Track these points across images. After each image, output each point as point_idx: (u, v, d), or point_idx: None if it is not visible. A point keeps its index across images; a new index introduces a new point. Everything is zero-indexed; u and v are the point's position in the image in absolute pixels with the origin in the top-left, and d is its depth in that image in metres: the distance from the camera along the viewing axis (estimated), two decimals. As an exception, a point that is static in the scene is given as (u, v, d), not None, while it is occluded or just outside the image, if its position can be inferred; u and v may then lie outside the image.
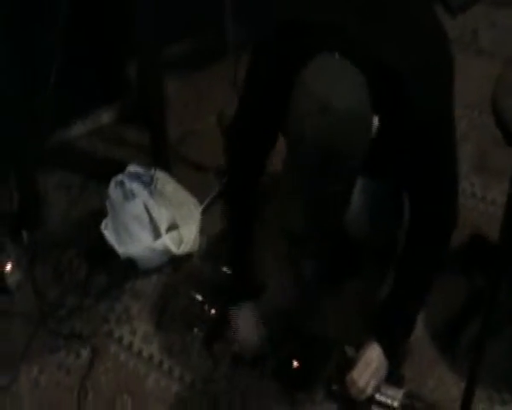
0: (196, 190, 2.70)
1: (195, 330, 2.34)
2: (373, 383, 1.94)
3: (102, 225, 2.58)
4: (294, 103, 1.57)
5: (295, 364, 2.09)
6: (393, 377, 2.00)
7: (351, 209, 1.75)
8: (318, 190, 1.57)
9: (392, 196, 2.00)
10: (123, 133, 3.00)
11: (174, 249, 2.52)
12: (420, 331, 2.21)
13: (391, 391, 1.97)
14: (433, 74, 1.68)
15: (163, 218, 2.52)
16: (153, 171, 2.63)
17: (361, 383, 1.93)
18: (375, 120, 1.60)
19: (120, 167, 2.67)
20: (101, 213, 2.62)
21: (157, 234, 2.52)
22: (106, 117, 3.04)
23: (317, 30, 1.65)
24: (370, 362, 1.94)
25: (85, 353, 2.40)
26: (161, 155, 2.80)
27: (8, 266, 2.64)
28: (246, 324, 2.12)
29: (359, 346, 1.99)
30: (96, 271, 2.61)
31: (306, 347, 2.12)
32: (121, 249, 2.54)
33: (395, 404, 1.95)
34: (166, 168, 2.74)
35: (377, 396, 1.96)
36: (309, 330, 2.17)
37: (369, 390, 1.94)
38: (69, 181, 2.90)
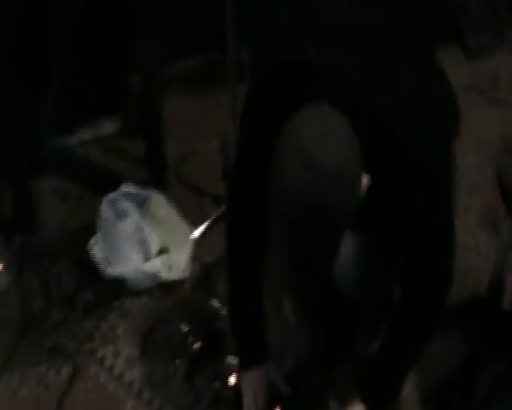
0: (192, 214, 2.61)
1: (178, 361, 2.26)
2: None
3: (91, 242, 2.50)
4: (279, 154, 1.46)
5: (277, 410, 2.00)
6: None
7: (340, 263, 1.66)
8: (301, 245, 1.48)
9: (385, 252, 1.90)
10: (124, 146, 2.92)
11: (163, 274, 2.45)
12: (410, 391, 2.11)
13: None
14: (434, 137, 1.59)
15: (154, 241, 2.45)
16: (147, 192, 2.54)
17: None
18: (365, 178, 1.50)
19: (118, 181, 2.61)
20: (95, 226, 2.55)
21: (147, 256, 2.44)
22: (108, 127, 2.96)
23: (315, 75, 1.55)
24: None
25: (66, 370, 2.34)
26: (158, 173, 2.72)
27: (-3, 271, 2.58)
28: (254, 391, 1.95)
29: (344, 400, 1.90)
30: (84, 285, 2.53)
31: (290, 395, 2.02)
32: (109, 269, 2.47)
33: None
34: (163, 187, 2.67)
35: None
36: (295, 379, 2.07)
37: None
38: (66, 189, 2.82)
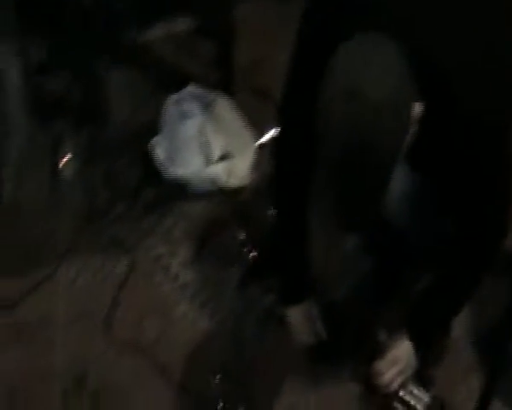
0: (257, 122, 2.44)
1: (233, 269, 2.13)
2: (398, 380, 1.71)
3: (153, 142, 2.36)
4: (324, 85, 1.29)
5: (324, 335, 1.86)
6: (423, 376, 1.75)
7: (390, 200, 1.46)
8: (346, 185, 1.31)
9: (438, 191, 1.66)
10: (196, 46, 2.73)
11: (224, 180, 2.30)
12: (460, 333, 1.93)
13: (417, 391, 1.72)
14: (497, 91, 1.38)
15: (216, 145, 2.30)
16: (213, 95, 2.38)
17: (385, 378, 1.71)
18: (418, 108, 1.31)
19: (187, 80, 2.46)
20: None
21: (208, 161, 2.30)
22: (181, 25, 2.77)
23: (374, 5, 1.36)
24: (398, 361, 1.71)
25: (123, 264, 2.25)
26: (227, 77, 2.54)
27: (65, 160, 2.47)
28: (299, 324, 1.85)
29: (391, 335, 1.76)
30: (147, 182, 2.42)
31: (338, 320, 1.88)
32: (170, 169, 2.34)
33: (419, 406, 1.71)
34: (231, 92, 2.49)
35: (402, 393, 1.72)
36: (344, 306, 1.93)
37: (394, 386, 1.72)
38: (137, 84, 2.66)
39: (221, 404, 1.85)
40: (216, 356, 1.97)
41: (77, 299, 2.19)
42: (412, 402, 1.69)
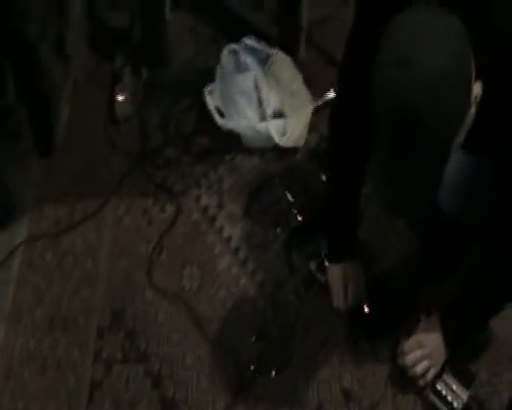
0: (317, 83, 2.21)
1: (278, 229, 1.96)
2: (424, 364, 1.56)
3: (207, 90, 2.16)
4: (377, 53, 1.11)
5: (366, 309, 1.68)
6: (464, 373, 1.57)
7: (444, 183, 1.26)
8: (396, 164, 1.12)
9: (496, 178, 1.41)
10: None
11: (276, 138, 2.08)
12: (505, 332, 1.68)
13: (457, 388, 1.55)
14: None
15: (271, 101, 2.08)
16: (272, 50, 2.16)
17: (408, 359, 1.57)
18: (478, 87, 1.12)
19: (248, 32, 2.23)
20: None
21: (262, 116, 2.09)
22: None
23: None
24: (424, 344, 1.57)
25: (170, 209, 2.10)
26: (291, 33, 2.30)
27: (121, 97, 2.29)
28: (338, 284, 1.71)
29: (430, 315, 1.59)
30: (200, 130, 2.22)
31: (381, 296, 1.69)
32: (222, 120, 2.15)
33: (456, 404, 1.54)
34: (293, 49, 2.26)
35: (439, 386, 1.56)
36: (389, 283, 1.73)
37: (419, 370, 1.57)
38: (200, 30, 2.45)
39: (254, 366, 1.69)
40: (253, 317, 1.81)
41: (122, 237, 2.06)
42: (449, 398, 1.54)
